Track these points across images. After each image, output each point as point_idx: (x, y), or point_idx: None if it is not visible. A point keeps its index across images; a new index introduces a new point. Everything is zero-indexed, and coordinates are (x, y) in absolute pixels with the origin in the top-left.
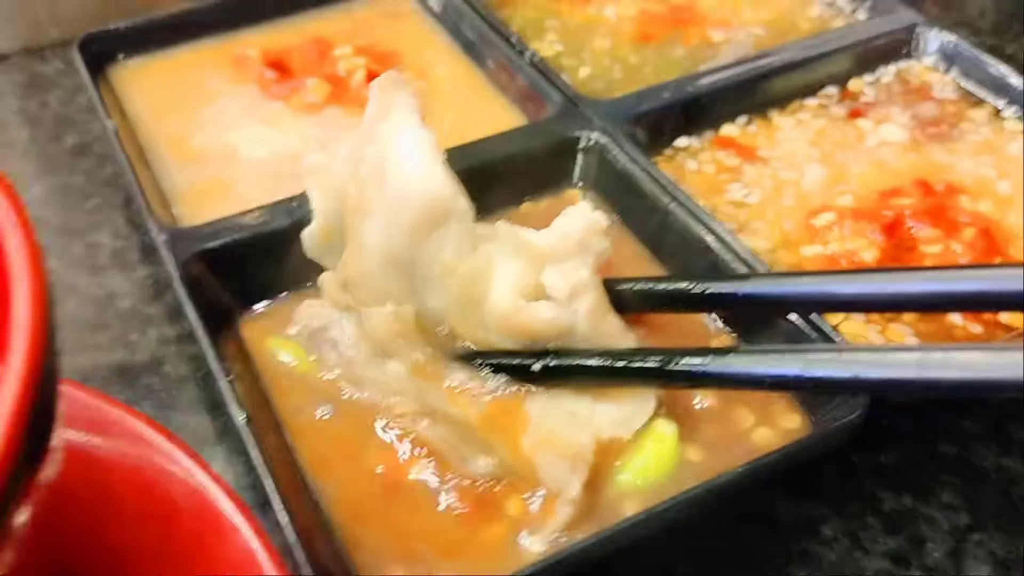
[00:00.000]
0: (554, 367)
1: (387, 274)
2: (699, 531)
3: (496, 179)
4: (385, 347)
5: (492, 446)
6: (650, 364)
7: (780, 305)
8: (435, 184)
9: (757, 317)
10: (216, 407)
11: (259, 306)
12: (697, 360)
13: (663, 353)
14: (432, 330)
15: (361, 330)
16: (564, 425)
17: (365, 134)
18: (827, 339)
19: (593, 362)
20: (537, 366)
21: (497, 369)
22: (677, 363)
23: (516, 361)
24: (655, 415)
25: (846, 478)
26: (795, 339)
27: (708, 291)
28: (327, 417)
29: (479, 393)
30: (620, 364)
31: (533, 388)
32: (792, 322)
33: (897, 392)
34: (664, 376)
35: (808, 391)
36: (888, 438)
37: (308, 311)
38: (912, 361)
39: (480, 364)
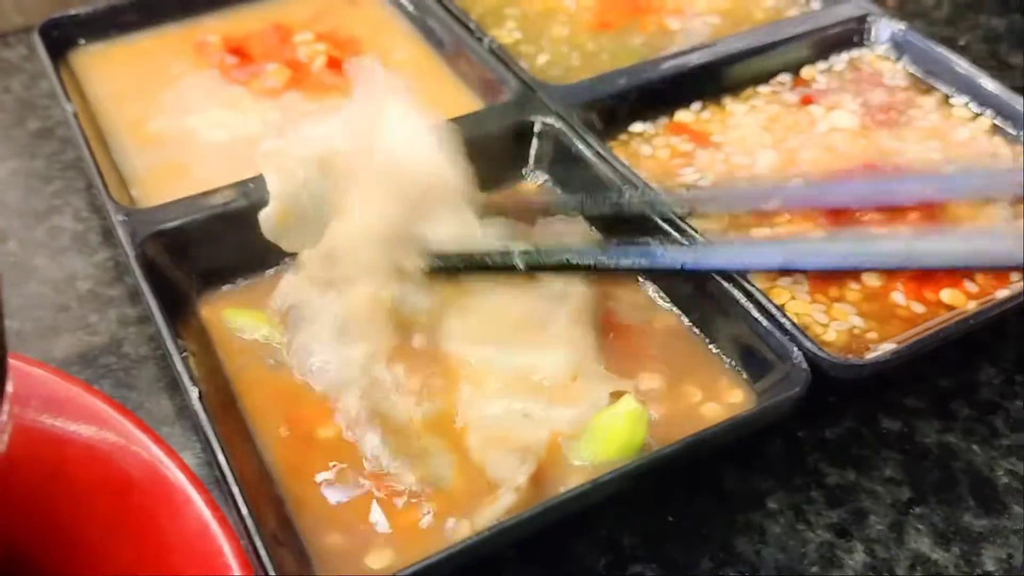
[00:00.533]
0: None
1: (376, 249)
2: (648, 504)
3: None
4: (356, 327)
5: (429, 453)
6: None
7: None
8: (441, 164)
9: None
10: (175, 386)
11: (218, 288)
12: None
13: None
14: (407, 320)
15: (331, 312)
16: (519, 425)
17: (354, 113)
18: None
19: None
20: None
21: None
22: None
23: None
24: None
25: (792, 453)
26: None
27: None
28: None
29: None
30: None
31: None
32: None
33: None
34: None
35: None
36: (833, 414)
37: (286, 287)
38: None
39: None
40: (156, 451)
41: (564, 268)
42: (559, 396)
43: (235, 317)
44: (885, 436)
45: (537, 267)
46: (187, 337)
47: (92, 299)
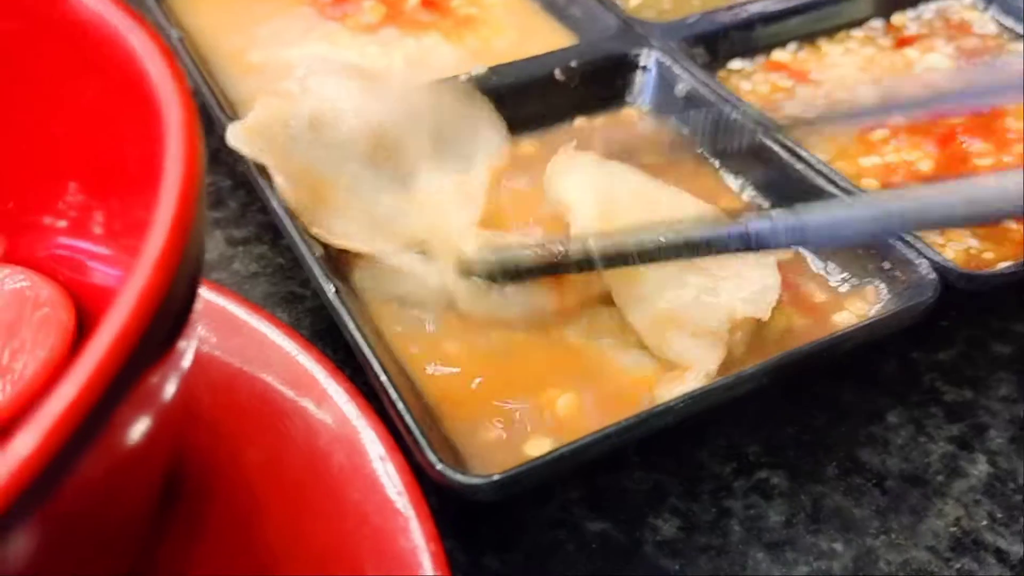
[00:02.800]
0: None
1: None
2: (766, 417)
3: (549, 95)
4: None
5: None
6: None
7: None
8: None
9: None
10: (290, 300)
11: None
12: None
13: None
14: None
15: None
16: (694, 306)
17: None
18: None
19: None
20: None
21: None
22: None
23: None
24: None
25: (907, 373)
26: None
27: None
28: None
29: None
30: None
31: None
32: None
33: None
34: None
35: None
36: (945, 338)
37: None
38: None
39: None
40: (292, 345)
41: (654, 253)
42: (726, 269)
43: None
44: (998, 359)
45: (619, 258)
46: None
47: None
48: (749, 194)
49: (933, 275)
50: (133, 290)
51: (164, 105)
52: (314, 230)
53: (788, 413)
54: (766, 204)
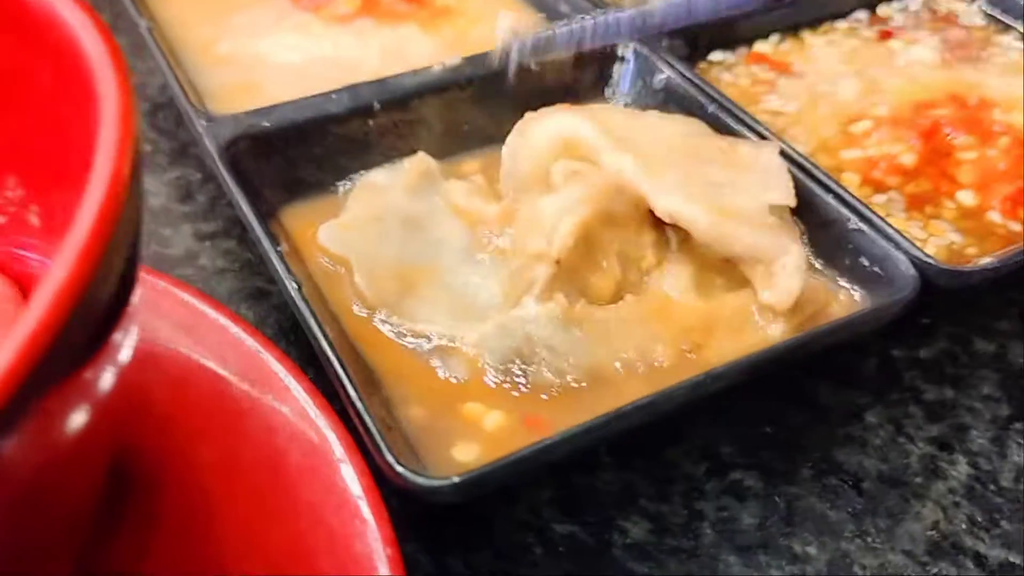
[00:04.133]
0: None
1: None
2: (741, 416)
3: (525, 85)
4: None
5: None
6: None
7: None
8: None
9: None
10: (256, 296)
11: (300, 199)
12: None
13: None
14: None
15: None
16: (735, 196)
17: None
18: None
19: None
20: None
21: None
22: None
23: None
24: None
25: (887, 371)
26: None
27: None
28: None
29: None
30: None
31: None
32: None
33: None
34: None
35: None
36: (926, 336)
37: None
38: None
39: None
40: (252, 342)
41: None
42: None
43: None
44: (980, 356)
45: None
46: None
47: (164, 214)
48: None
49: (913, 271)
50: (51, 283)
51: (101, 87)
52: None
53: (764, 412)
54: None
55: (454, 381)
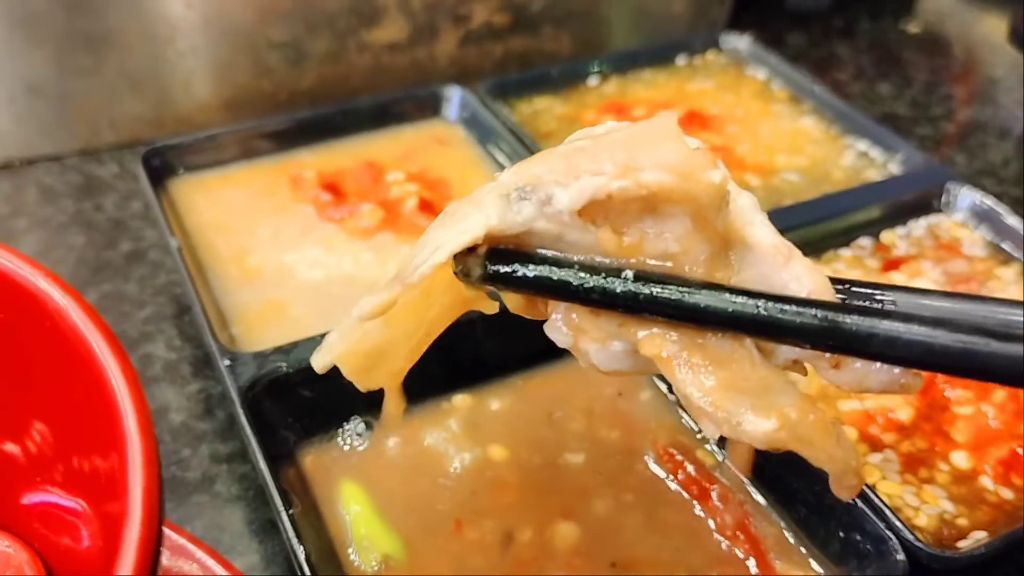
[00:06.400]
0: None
1: None
2: None
3: None
4: None
5: None
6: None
7: None
8: None
9: None
10: (266, 531)
11: (320, 438)
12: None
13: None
14: None
15: None
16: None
17: None
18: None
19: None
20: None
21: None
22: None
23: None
24: None
25: None
26: None
27: None
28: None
29: None
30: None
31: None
32: None
33: None
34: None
35: None
36: None
37: None
38: None
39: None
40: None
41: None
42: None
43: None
44: None
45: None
46: (287, 486)
47: (184, 432)
48: None
49: (902, 556)
50: None
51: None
52: None
53: None
54: None
55: None
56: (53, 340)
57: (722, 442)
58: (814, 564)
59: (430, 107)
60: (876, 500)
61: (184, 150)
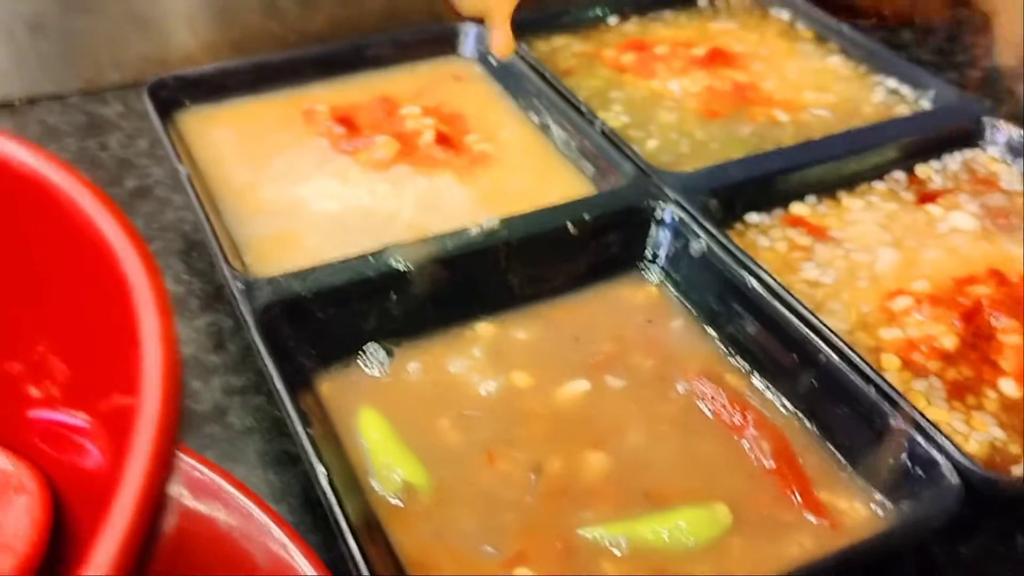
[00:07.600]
0: None
1: None
2: None
3: (564, 247)
4: None
5: None
6: None
7: None
8: None
9: None
10: (281, 461)
11: (338, 365)
12: None
13: None
14: None
15: None
16: None
17: None
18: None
19: None
20: None
21: None
22: None
23: None
24: None
25: (925, 570)
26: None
27: None
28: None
29: None
30: None
31: None
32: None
33: None
34: None
35: None
36: (968, 530)
37: None
38: None
39: None
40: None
41: None
42: None
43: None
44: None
45: None
46: (306, 413)
47: (195, 365)
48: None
49: (956, 480)
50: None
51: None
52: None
53: None
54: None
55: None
56: (64, 233)
57: None
58: (861, 493)
59: (447, 43)
60: (924, 423)
61: (192, 82)
